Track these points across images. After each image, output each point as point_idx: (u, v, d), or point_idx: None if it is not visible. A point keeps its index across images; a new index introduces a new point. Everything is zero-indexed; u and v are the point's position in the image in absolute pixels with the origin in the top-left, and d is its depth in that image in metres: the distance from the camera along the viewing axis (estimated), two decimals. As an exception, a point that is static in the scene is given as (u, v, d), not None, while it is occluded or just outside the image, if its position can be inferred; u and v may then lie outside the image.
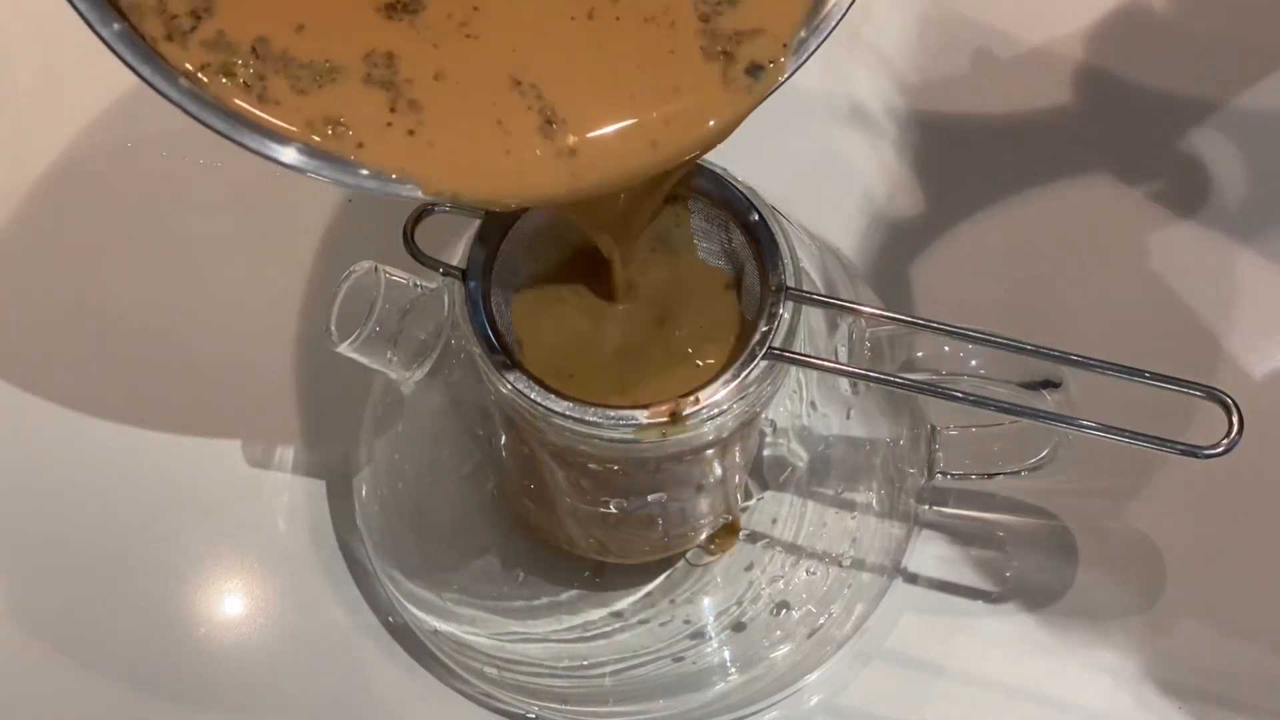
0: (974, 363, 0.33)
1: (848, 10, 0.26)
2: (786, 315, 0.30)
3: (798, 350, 0.30)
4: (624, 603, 0.39)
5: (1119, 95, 0.48)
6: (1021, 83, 0.48)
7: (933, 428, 0.40)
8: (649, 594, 0.39)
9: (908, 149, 0.47)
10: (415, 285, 0.33)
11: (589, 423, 0.29)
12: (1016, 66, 0.49)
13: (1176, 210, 0.46)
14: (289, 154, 0.24)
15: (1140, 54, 0.48)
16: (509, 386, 0.29)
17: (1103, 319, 0.44)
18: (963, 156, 0.47)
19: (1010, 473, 0.39)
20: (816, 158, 0.48)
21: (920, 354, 0.34)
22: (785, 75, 0.26)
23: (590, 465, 0.33)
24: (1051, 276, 0.45)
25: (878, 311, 0.31)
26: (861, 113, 0.48)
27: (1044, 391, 0.33)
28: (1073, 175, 0.47)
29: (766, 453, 0.41)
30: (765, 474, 0.40)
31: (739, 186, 0.31)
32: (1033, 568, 0.41)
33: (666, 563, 0.40)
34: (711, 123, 0.26)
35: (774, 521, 0.40)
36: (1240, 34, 0.49)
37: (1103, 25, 0.49)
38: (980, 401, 0.31)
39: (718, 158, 0.28)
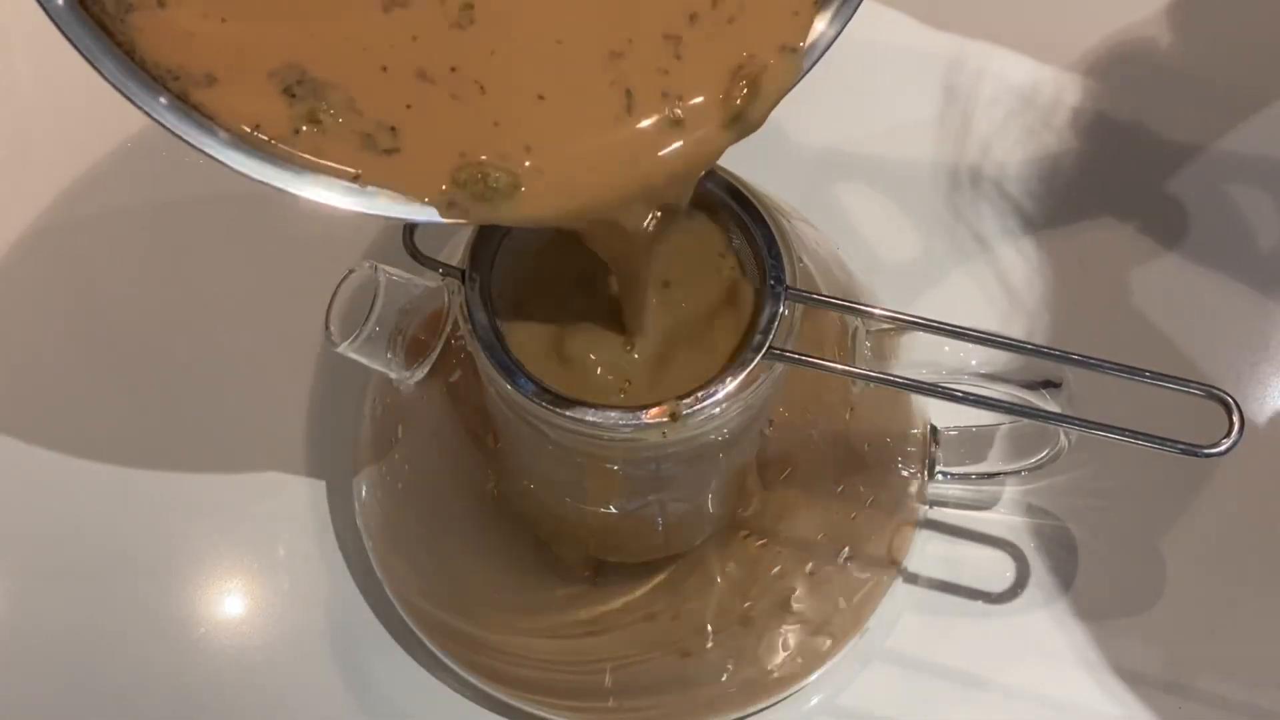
0: (974, 363, 0.33)
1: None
2: (787, 315, 0.30)
3: (798, 350, 0.30)
4: (624, 601, 0.39)
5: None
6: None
7: (933, 428, 0.40)
8: (649, 592, 0.39)
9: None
10: (415, 285, 0.33)
11: (589, 423, 0.29)
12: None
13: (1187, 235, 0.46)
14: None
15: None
16: (509, 386, 0.29)
17: (1104, 325, 0.44)
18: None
19: (1010, 473, 0.39)
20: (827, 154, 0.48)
21: (920, 354, 0.34)
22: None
23: (590, 465, 0.33)
24: (1058, 295, 0.45)
25: (878, 311, 0.31)
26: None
27: (1044, 391, 0.33)
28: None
29: (767, 452, 0.41)
30: (766, 473, 0.40)
31: (739, 186, 0.31)
32: (1033, 567, 0.41)
33: (667, 561, 0.40)
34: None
35: (774, 520, 0.40)
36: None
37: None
38: (980, 401, 0.31)
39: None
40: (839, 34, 0.26)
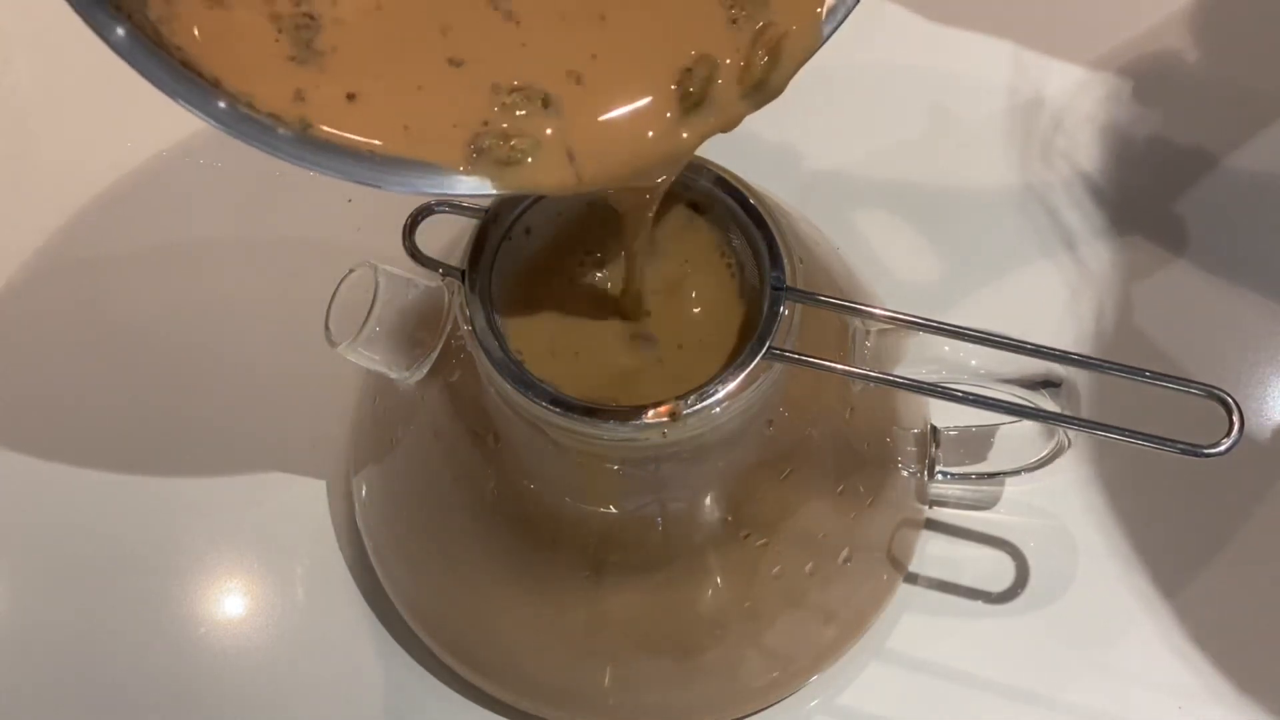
0: (974, 363, 0.33)
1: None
2: (787, 315, 0.30)
3: (798, 350, 0.30)
4: (624, 601, 0.39)
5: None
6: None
7: (933, 428, 0.40)
8: (649, 592, 0.39)
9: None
10: (415, 285, 0.33)
11: (589, 422, 0.29)
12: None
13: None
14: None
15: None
16: (509, 387, 0.29)
17: (1104, 326, 0.44)
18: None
19: (1010, 473, 0.39)
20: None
21: (920, 354, 0.34)
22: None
23: (590, 465, 0.33)
24: (1060, 297, 0.45)
25: (879, 311, 0.31)
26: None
27: (1044, 391, 0.33)
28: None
29: (767, 452, 0.41)
30: (766, 473, 0.40)
31: (739, 185, 0.31)
32: (1033, 567, 0.41)
33: (667, 561, 0.40)
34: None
35: (774, 520, 0.40)
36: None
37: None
38: (980, 401, 0.31)
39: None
40: (858, 1, 0.26)
